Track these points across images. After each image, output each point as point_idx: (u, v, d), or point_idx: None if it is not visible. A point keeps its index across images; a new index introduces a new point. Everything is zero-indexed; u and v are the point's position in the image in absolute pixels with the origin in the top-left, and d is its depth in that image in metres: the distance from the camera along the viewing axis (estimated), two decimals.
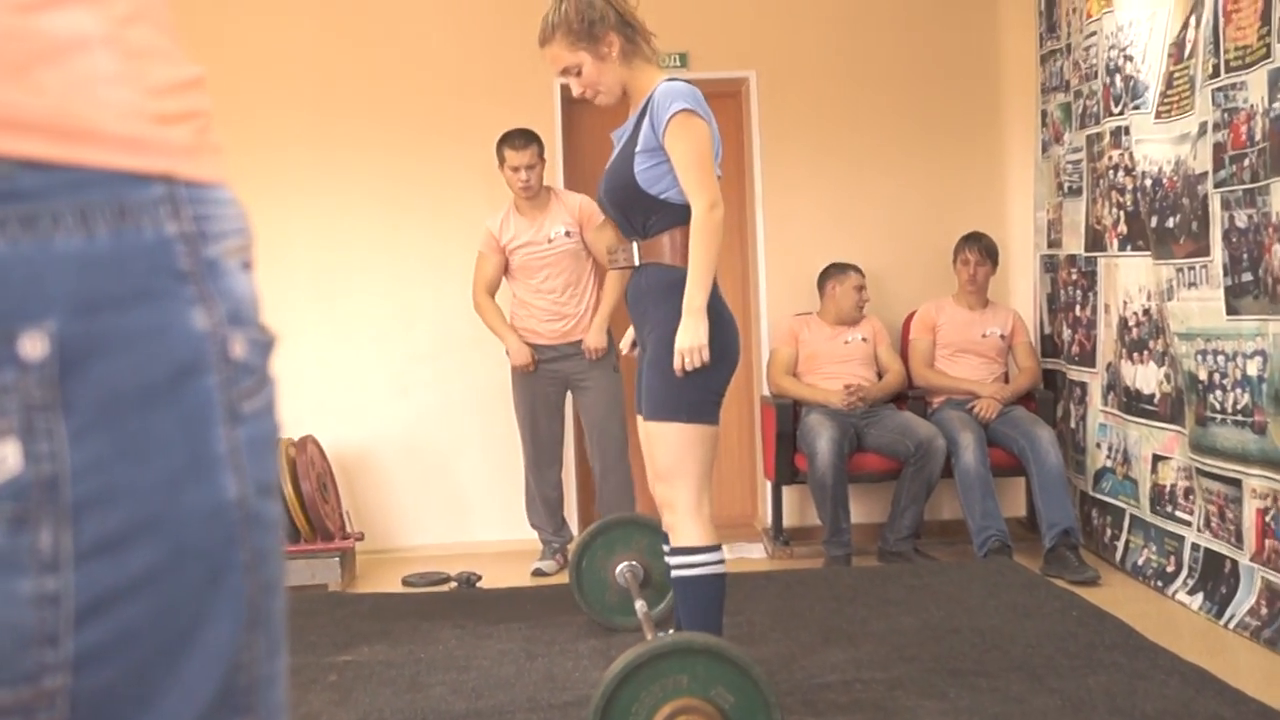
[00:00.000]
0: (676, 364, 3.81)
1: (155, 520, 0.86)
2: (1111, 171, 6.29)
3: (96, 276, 0.84)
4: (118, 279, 0.85)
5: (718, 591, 3.92)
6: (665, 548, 4.06)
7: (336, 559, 6.56)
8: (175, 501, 0.87)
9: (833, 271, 7.18)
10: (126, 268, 0.86)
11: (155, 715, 0.87)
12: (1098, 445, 6.64)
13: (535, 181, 6.59)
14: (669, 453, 3.87)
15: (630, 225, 4.02)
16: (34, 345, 0.81)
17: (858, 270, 7.14)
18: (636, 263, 4.03)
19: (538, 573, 6.78)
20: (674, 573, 3.93)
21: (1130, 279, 6.16)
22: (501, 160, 6.63)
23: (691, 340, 3.78)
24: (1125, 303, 6.21)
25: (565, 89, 7.40)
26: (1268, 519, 4.96)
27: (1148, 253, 5.89)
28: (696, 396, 3.86)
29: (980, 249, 7.12)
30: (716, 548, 3.91)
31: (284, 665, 1.00)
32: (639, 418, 4.12)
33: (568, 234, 6.62)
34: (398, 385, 7.51)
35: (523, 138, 6.62)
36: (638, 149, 3.91)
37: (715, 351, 3.84)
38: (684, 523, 3.89)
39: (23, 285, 0.81)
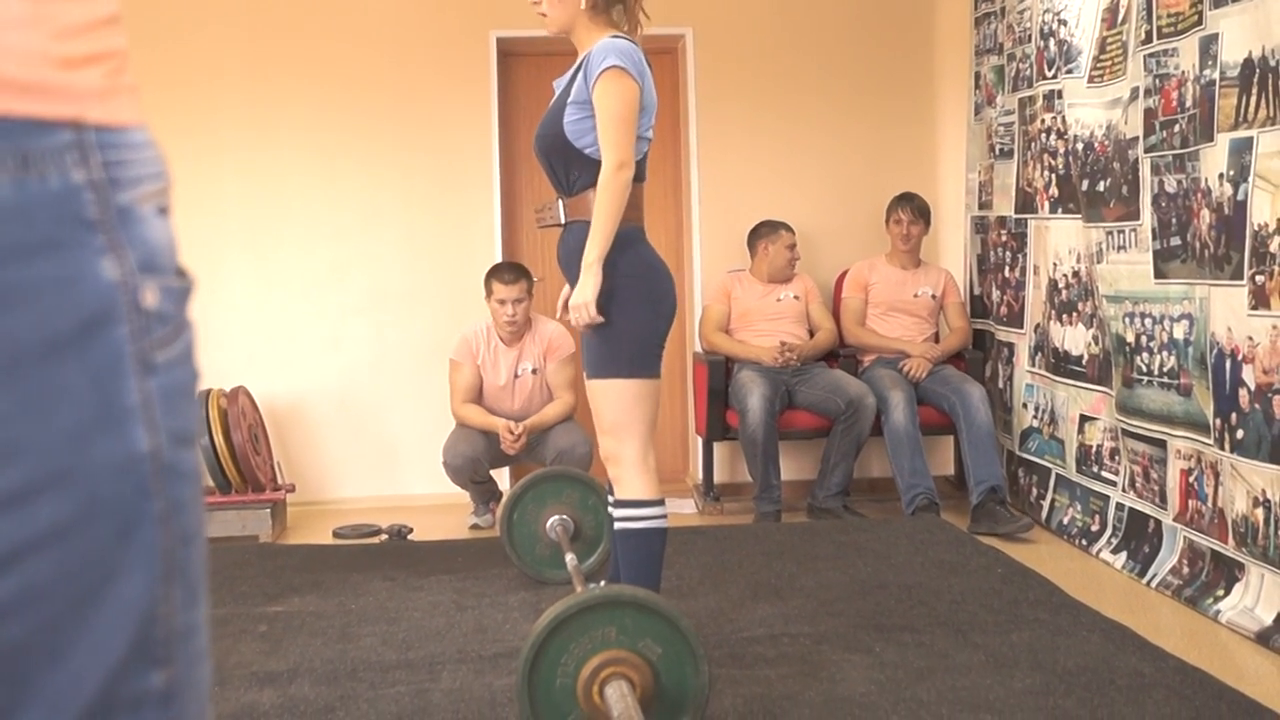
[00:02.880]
0: (573, 320, 3.85)
1: (63, 474, 0.85)
2: (1043, 135, 6.33)
3: (1, 228, 0.83)
4: (22, 230, 0.84)
5: (659, 545, 3.94)
6: (610, 499, 4.07)
7: (267, 510, 6.55)
8: (84, 455, 0.86)
9: (764, 230, 7.20)
10: (31, 218, 0.84)
11: (66, 669, 0.87)
12: (1025, 405, 6.70)
13: (521, 317, 6.53)
14: (612, 408, 3.89)
15: (556, 178, 4.01)
16: None
17: (789, 229, 7.16)
18: (563, 220, 4.03)
19: (475, 527, 6.80)
20: (617, 525, 3.95)
21: (1060, 241, 6.21)
22: (489, 292, 6.54)
23: (579, 296, 3.82)
24: (1055, 265, 6.26)
25: (501, 41, 7.39)
26: (1191, 480, 5.03)
27: (1078, 216, 5.94)
28: (634, 350, 3.87)
29: (913, 209, 7.16)
30: (660, 502, 3.94)
31: (204, 615, 0.99)
32: (584, 376, 4.13)
33: (534, 371, 6.62)
34: (330, 337, 7.48)
35: (512, 272, 6.55)
36: (570, 100, 3.90)
37: (648, 303, 3.87)
38: (629, 476, 3.91)
39: None
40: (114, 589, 0.89)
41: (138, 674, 0.91)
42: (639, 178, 3.96)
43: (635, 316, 3.87)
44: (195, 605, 0.97)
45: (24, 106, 0.85)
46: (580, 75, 3.89)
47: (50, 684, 0.86)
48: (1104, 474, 5.85)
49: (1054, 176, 6.24)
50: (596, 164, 3.88)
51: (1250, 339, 4.48)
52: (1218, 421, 4.74)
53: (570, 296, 3.97)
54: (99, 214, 0.88)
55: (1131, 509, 5.56)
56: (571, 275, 4.02)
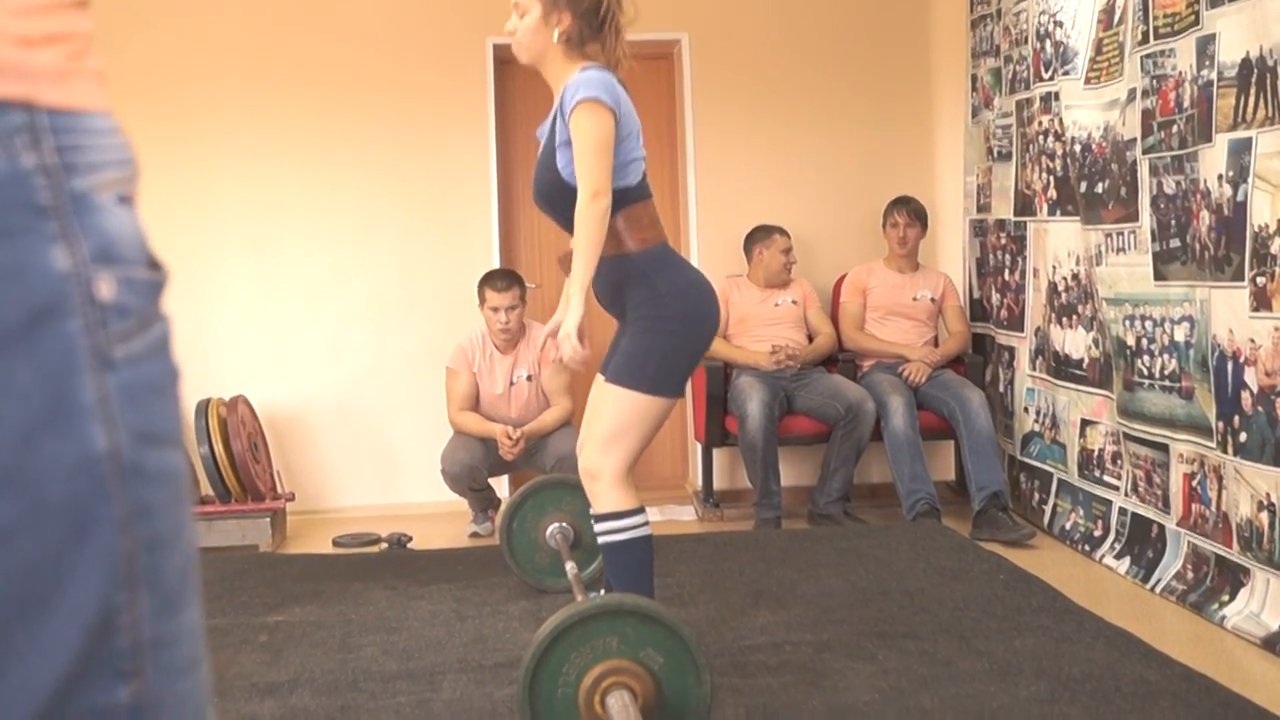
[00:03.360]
0: (564, 355, 3.83)
1: (8, 475, 0.82)
2: (1041, 137, 6.32)
3: None
4: None
5: (646, 554, 3.91)
6: (592, 514, 4.05)
7: (267, 519, 6.53)
8: (32, 455, 0.83)
9: (759, 235, 7.19)
10: None
11: (14, 678, 0.83)
12: (1026, 409, 6.69)
13: (515, 324, 6.56)
14: (616, 417, 3.85)
15: (566, 222, 3.95)
16: None
17: (783, 233, 7.15)
18: None
19: (474, 535, 6.79)
20: (601, 539, 3.93)
21: (1059, 244, 6.19)
22: (482, 299, 6.57)
23: (565, 327, 3.80)
24: (1054, 267, 6.25)
25: (498, 48, 7.39)
26: (1194, 484, 5.01)
27: (1077, 218, 5.93)
28: (664, 367, 3.84)
29: (909, 212, 7.15)
30: (640, 510, 3.90)
31: (191, 625, 0.95)
32: (598, 377, 4.10)
33: (529, 378, 6.63)
34: (330, 346, 7.47)
35: (505, 279, 6.56)
36: (557, 143, 3.88)
37: (690, 322, 3.86)
38: (607, 490, 3.88)
39: None
40: (65, 596, 0.85)
41: (99, 687, 0.87)
42: (644, 194, 3.94)
43: (673, 333, 3.85)
44: (172, 614, 0.93)
45: None
46: (559, 117, 3.87)
47: None
48: (1106, 478, 5.83)
49: (1052, 179, 6.23)
50: (613, 193, 3.87)
51: (1252, 341, 4.46)
52: (1220, 424, 4.72)
53: (555, 328, 3.94)
54: (50, 200, 0.84)
55: (1134, 514, 5.54)
56: (617, 308, 4.01)
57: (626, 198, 3.88)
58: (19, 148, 0.83)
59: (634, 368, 3.85)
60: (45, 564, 0.84)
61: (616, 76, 3.94)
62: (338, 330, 7.49)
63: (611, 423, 3.86)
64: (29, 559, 0.83)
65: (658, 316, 3.84)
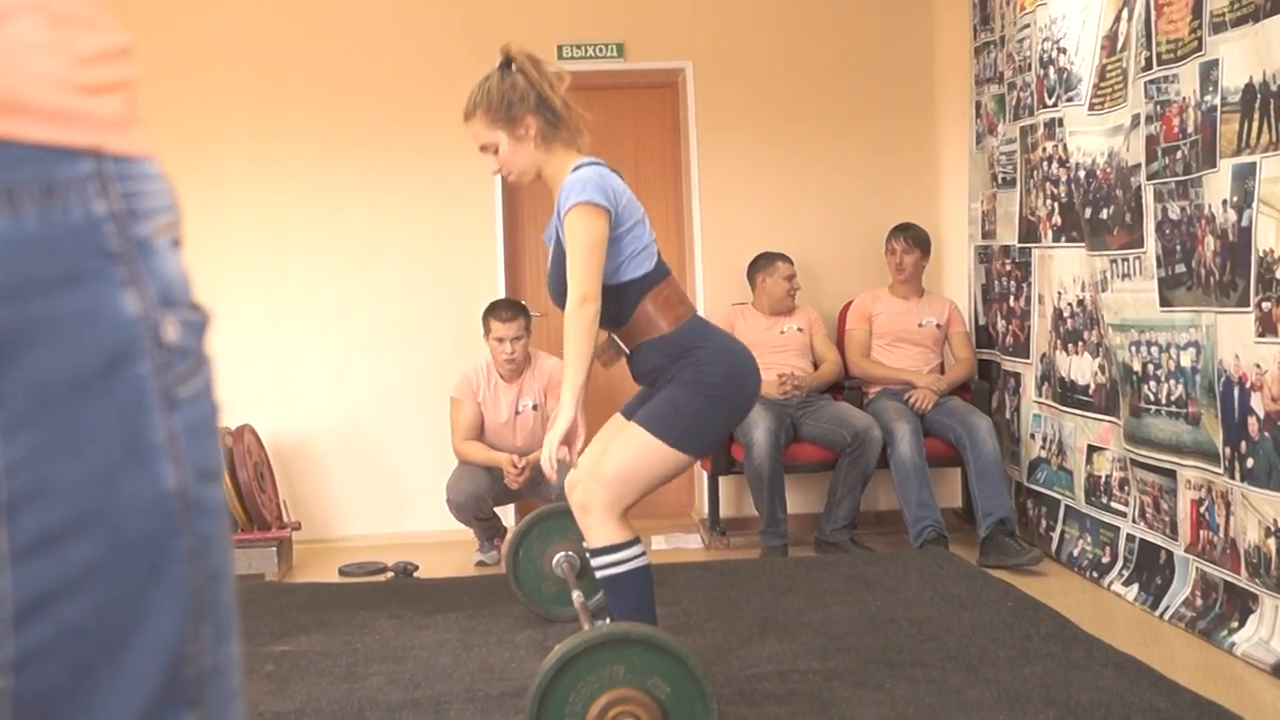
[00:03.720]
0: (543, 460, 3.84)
1: (93, 514, 0.84)
2: (1045, 163, 6.33)
3: (24, 260, 0.81)
4: (46, 263, 0.82)
5: (645, 584, 3.91)
6: (586, 549, 4.04)
7: (273, 549, 6.52)
8: (113, 494, 0.85)
9: (761, 262, 7.19)
10: (54, 250, 0.83)
11: (99, 711, 0.85)
12: (1032, 436, 6.68)
13: (520, 355, 6.56)
14: (630, 460, 3.84)
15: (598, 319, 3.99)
16: None
17: (786, 259, 7.15)
18: (627, 350, 4.04)
19: (481, 564, 6.77)
20: (599, 573, 3.92)
21: (1064, 270, 6.20)
22: (487, 330, 6.58)
23: (553, 432, 3.81)
24: (1059, 294, 6.25)
25: None
26: (1201, 510, 5.00)
27: (1082, 244, 5.93)
28: (694, 426, 3.85)
29: (905, 238, 7.16)
30: (635, 540, 3.90)
31: (236, 654, 0.97)
32: (617, 416, 4.10)
33: (534, 407, 6.64)
34: (335, 374, 7.48)
35: (510, 310, 6.57)
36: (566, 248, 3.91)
37: (727, 390, 3.88)
38: (600, 524, 3.87)
39: None
40: (145, 629, 0.87)
41: (169, 715, 0.90)
42: (663, 273, 3.99)
43: (714, 397, 3.86)
44: (226, 643, 0.96)
45: (50, 134, 0.84)
46: (560, 220, 3.90)
47: None
48: (1114, 505, 5.82)
49: (1057, 205, 6.24)
50: (626, 285, 3.91)
51: (1258, 366, 4.46)
52: (1227, 450, 4.71)
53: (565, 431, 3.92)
54: (119, 246, 0.87)
55: (1142, 540, 5.53)
56: (651, 382, 4.04)
57: (648, 282, 3.92)
58: (90, 195, 0.85)
59: (665, 417, 3.85)
60: (127, 599, 0.86)
61: (614, 170, 4.01)
62: (343, 359, 7.50)
63: (622, 463, 3.86)
64: (113, 594, 0.85)
65: (699, 380, 3.86)
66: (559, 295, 3.97)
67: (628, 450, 3.86)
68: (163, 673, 0.89)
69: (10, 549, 0.80)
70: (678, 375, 3.89)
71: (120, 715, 0.86)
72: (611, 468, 3.86)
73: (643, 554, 3.90)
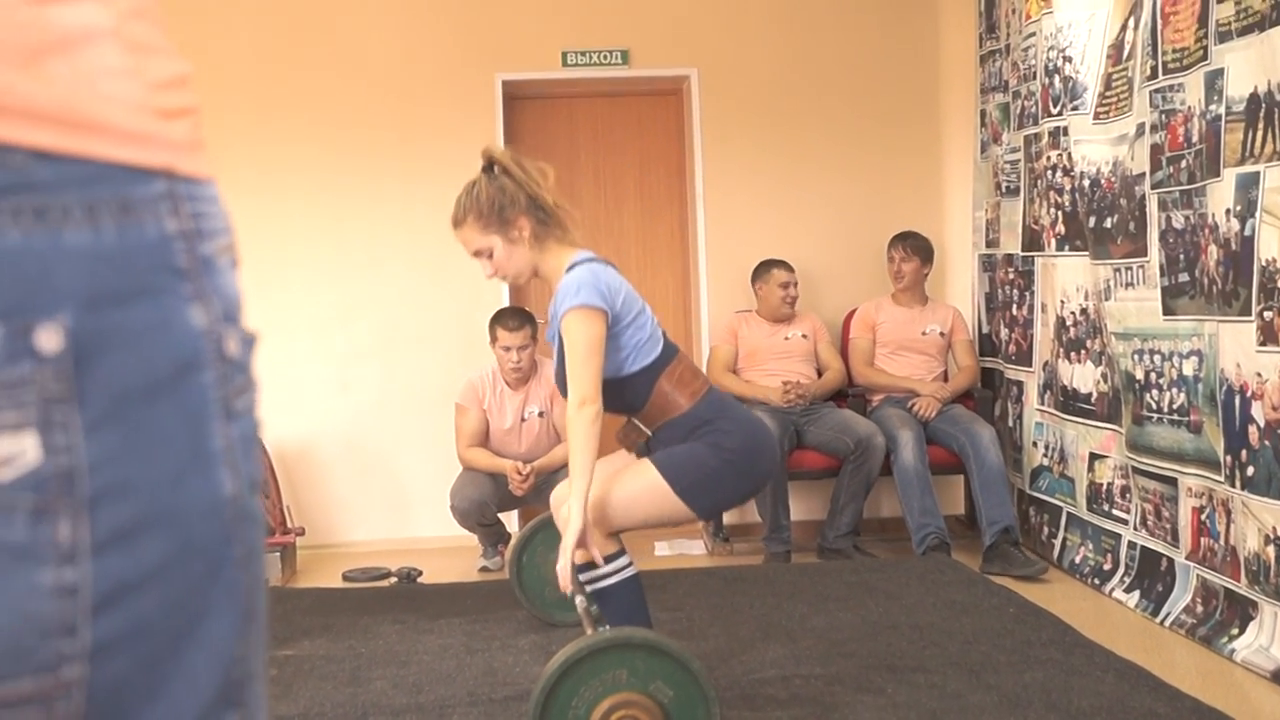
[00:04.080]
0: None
1: (163, 514, 0.87)
2: (1049, 172, 6.34)
3: (103, 272, 0.85)
4: (123, 275, 0.86)
5: (636, 593, 3.95)
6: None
7: (277, 554, 6.54)
8: (180, 496, 0.89)
9: (759, 271, 7.22)
10: (131, 264, 0.87)
11: (163, 707, 0.89)
12: (1034, 444, 6.69)
13: (526, 363, 6.57)
14: (637, 495, 3.88)
15: (613, 408, 4.01)
16: (50, 339, 0.82)
17: (783, 266, 7.16)
18: (649, 432, 4.07)
19: (484, 570, 6.79)
20: (589, 587, 3.97)
21: (1068, 279, 6.21)
22: (493, 338, 6.58)
23: (565, 541, 3.81)
24: (1063, 302, 6.27)
25: (507, 84, 7.43)
26: (1203, 518, 5.02)
27: (1085, 253, 5.95)
28: (705, 484, 3.90)
29: (905, 246, 7.17)
30: (622, 551, 3.96)
31: (265, 661, 1.01)
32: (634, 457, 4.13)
33: (540, 415, 6.64)
34: (338, 380, 7.49)
35: (516, 319, 6.57)
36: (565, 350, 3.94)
37: (741, 453, 3.92)
38: (588, 541, 3.91)
39: (36, 278, 0.82)
40: (206, 629, 0.91)
41: (219, 714, 0.94)
42: (673, 353, 4.05)
43: (729, 461, 3.91)
44: (262, 650, 0.99)
45: (128, 154, 0.88)
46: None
47: (150, 719, 0.88)
48: (1115, 512, 5.83)
49: (1060, 214, 6.25)
50: (636, 375, 3.96)
51: (1259, 375, 4.47)
52: (1228, 458, 4.72)
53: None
54: (188, 263, 0.91)
55: (1144, 547, 5.54)
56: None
57: (659, 365, 3.98)
58: (163, 214, 0.90)
59: (678, 465, 3.90)
60: (192, 598, 0.90)
61: (607, 263, 4.06)
62: (347, 365, 7.51)
63: (625, 494, 3.90)
64: (180, 592, 0.89)
65: (719, 444, 3.91)
66: (565, 389, 4.01)
67: (634, 484, 3.90)
68: (222, 673, 0.93)
69: (90, 542, 0.83)
70: (701, 437, 3.93)
71: (182, 712, 0.90)
72: (616, 493, 3.90)
73: (630, 564, 3.94)
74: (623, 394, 3.96)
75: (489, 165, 4.11)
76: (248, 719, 0.97)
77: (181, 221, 0.91)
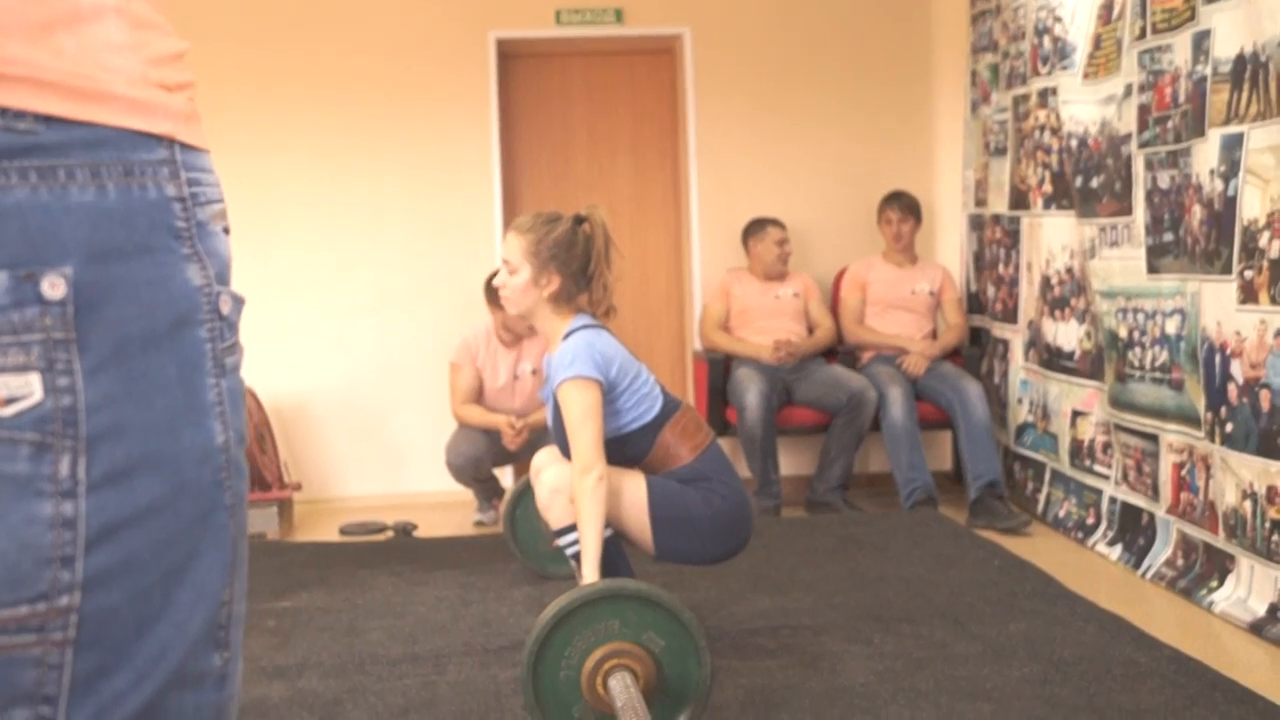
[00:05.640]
0: None
1: (157, 456, 0.94)
2: (1037, 131, 6.38)
3: (106, 229, 0.91)
4: (124, 232, 0.93)
5: (614, 554, 4.00)
6: (552, 529, 4.14)
7: (274, 508, 6.59)
8: (174, 441, 0.95)
9: (753, 228, 7.25)
10: (132, 223, 0.93)
11: (154, 640, 0.95)
12: (1019, 401, 6.76)
13: (521, 325, 6.52)
14: (613, 495, 3.94)
15: (616, 462, 4.04)
16: (54, 287, 0.88)
17: (777, 224, 7.21)
18: None
19: (479, 524, 6.86)
20: (568, 550, 4.09)
21: (1053, 238, 6.26)
22: (489, 299, 6.53)
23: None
24: (1048, 261, 6.31)
25: (501, 42, 7.45)
26: (1183, 473, 5.09)
27: (1071, 212, 5.99)
28: (682, 524, 3.99)
29: (900, 206, 7.20)
30: None
31: (245, 608, 1.07)
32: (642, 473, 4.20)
33: (533, 372, 6.67)
34: (335, 337, 7.53)
35: None
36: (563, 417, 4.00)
37: (724, 514, 4.01)
38: (566, 505, 4.00)
39: (42, 231, 0.88)
40: (195, 570, 0.98)
41: (205, 653, 1.00)
42: (674, 406, 4.11)
43: (712, 515, 4.00)
44: (244, 596, 1.06)
45: (132, 121, 0.95)
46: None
47: (139, 652, 0.94)
48: (1097, 468, 5.90)
49: (1048, 173, 6.29)
50: (637, 432, 4.04)
51: (1238, 334, 4.54)
52: (1208, 415, 4.79)
53: None
54: (185, 225, 0.98)
55: (1125, 502, 5.61)
56: None
57: (660, 421, 4.05)
58: (164, 178, 0.97)
59: (665, 496, 3.99)
60: (182, 538, 0.97)
61: (601, 326, 4.13)
62: (344, 322, 7.55)
63: (611, 490, 3.95)
64: (171, 533, 0.96)
65: (709, 499, 3.99)
66: (564, 448, 4.07)
67: (622, 494, 3.96)
68: (209, 614, 0.99)
69: (88, 478, 0.90)
70: (698, 488, 4.01)
71: (173, 646, 0.96)
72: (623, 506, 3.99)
73: (608, 527, 3.99)
74: (624, 449, 4.04)
75: (579, 219, 4.15)
76: (231, 662, 1.03)
77: (180, 187, 0.98)
